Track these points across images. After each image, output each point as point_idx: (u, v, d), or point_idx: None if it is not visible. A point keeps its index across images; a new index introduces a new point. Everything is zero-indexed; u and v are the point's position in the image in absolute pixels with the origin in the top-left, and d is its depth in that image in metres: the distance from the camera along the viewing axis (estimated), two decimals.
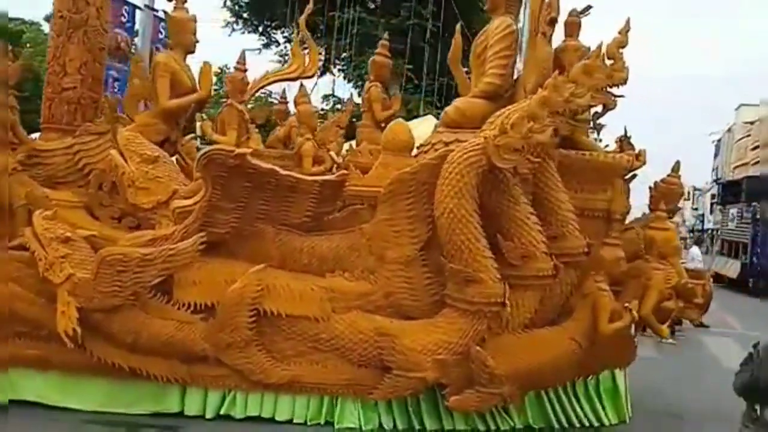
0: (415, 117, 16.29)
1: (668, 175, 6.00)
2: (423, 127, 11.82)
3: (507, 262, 4.76)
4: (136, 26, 15.21)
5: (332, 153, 5.57)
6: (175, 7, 5.95)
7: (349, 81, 22.52)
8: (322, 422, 4.89)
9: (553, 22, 5.09)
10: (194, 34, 5.99)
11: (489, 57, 5.61)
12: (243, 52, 5.86)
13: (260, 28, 23.29)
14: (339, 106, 23.92)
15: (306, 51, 5.84)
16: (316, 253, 4.93)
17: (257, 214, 4.81)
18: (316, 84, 25.32)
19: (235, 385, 4.81)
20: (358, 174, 5.16)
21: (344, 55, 19.81)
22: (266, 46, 23.08)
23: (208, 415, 4.85)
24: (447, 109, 5.62)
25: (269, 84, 5.75)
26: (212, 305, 4.73)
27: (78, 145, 5.53)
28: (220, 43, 20.96)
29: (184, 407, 4.89)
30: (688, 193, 42.25)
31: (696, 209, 48.08)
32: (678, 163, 6.02)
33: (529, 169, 4.91)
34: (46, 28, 26.06)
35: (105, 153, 5.42)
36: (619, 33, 5.14)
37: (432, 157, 4.77)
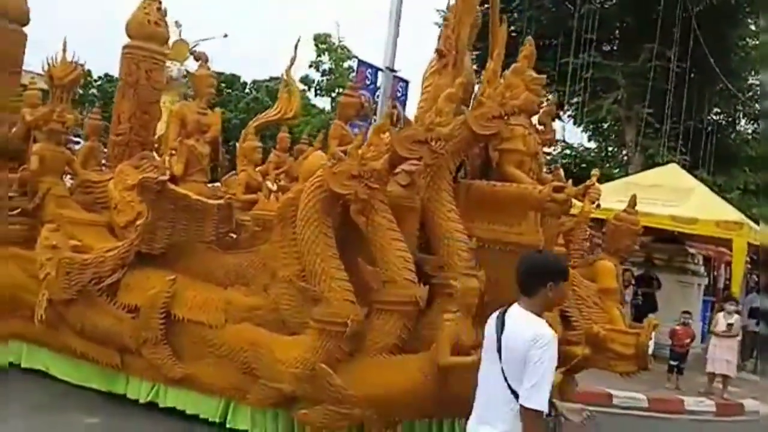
0: (656, 165, 15.33)
1: (623, 211, 5.36)
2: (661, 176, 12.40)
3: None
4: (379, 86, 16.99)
5: (268, 183, 6.19)
6: (198, 66, 7.24)
7: (579, 125, 21.87)
8: (217, 420, 5.48)
9: (439, 53, 5.14)
10: (212, 87, 7.20)
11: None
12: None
13: None
14: (567, 151, 23.32)
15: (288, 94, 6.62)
16: (227, 269, 5.62)
17: (181, 233, 5.71)
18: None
19: (151, 376, 5.66)
20: (266, 201, 5.73)
21: (575, 100, 19.39)
22: None
23: (141, 400, 5.76)
24: None
25: (257, 126, 6.62)
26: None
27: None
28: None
29: (128, 391, 5.89)
30: None
31: None
32: (634, 197, 5.35)
33: (412, 198, 5.06)
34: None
35: None
36: (518, 61, 4.99)
37: (306, 184, 5.17)
